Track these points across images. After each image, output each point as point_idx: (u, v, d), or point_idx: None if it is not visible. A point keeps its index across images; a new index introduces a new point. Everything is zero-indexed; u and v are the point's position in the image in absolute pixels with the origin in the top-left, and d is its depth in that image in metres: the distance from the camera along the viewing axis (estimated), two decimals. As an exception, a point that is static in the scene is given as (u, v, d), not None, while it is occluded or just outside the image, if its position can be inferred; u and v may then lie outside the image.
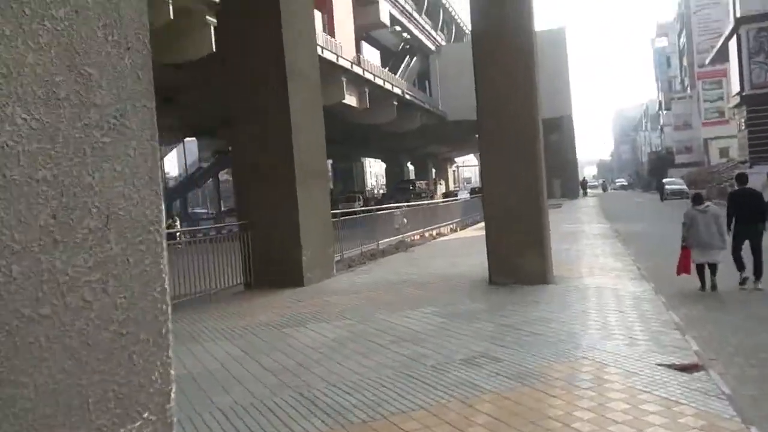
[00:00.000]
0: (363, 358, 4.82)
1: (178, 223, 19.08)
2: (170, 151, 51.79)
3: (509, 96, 8.05)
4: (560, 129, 44.83)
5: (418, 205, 23.06)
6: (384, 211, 17.21)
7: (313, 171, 9.71)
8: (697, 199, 8.29)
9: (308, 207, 9.40)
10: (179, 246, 7.35)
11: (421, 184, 54.96)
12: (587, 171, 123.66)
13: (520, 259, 7.98)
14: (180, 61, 19.26)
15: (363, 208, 16.42)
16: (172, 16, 16.48)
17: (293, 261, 9.07)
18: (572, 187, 47.26)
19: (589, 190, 55.51)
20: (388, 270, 10.61)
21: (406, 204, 22.96)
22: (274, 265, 9.19)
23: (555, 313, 5.99)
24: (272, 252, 9.22)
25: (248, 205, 9.55)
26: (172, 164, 62.15)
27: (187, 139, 46.08)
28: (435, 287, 8.22)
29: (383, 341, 5.29)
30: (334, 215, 12.07)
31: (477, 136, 8.63)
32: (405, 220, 16.83)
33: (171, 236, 12.23)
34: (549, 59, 31.37)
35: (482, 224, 24.73)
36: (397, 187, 53.88)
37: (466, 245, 14.97)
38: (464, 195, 44.68)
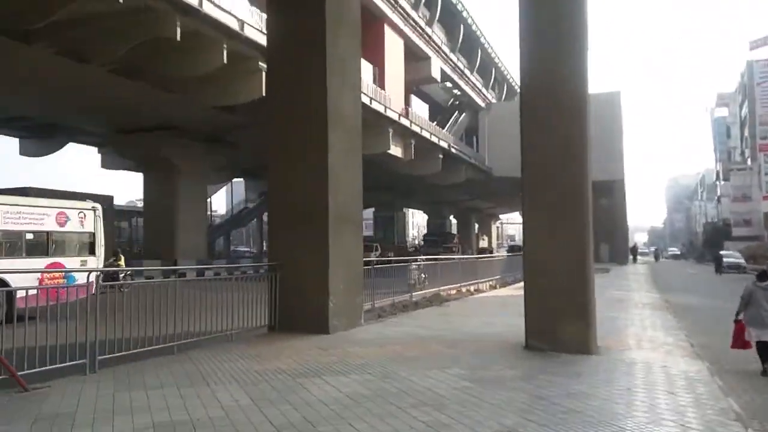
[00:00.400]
0: (377, 420, 4.36)
1: (122, 260, 17.74)
2: (218, 189, 53.03)
3: (558, 157, 7.67)
4: (611, 193, 43.77)
5: (448, 259, 22.48)
6: (416, 263, 16.70)
7: (347, 217, 9.45)
8: (763, 276, 7.63)
9: (339, 253, 9.09)
10: (124, 289, 6.98)
11: (451, 238, 52.52)
12: (638, 237, 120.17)
13: (560, 324, 7.41)
14: (231, 104, 19.75)
15: (395, 258, 16.01)
16: (225, 61, 16.98)
17: (319, 307, 8.71)
18: (621, 252, 45.64)
19: (639, 257, 53.55)
20: (419, 324, 10.11)
21: (440, 257, 22.40)
22: (299, 310, 8.85)
23: (597, 389, 5.39)
24: (299, 296, 8.90)
25: (279, 247, 9.31)
26: (221, 203, 63.64)
27: (236, 179, 47.10)
28: (466, 347, 7.68)
29: (402, 403, 4.82)
30: (367, 263, 11.72)
31: (521, 194, 8.24)
32: (424, 276, 15.02)
33: (112, 277, 10.97)
34: (602, 122, 30.89)
35: (522, 283, 23.91)
36: (426, 239, 51.77)
37: (503, 304, 14.32)
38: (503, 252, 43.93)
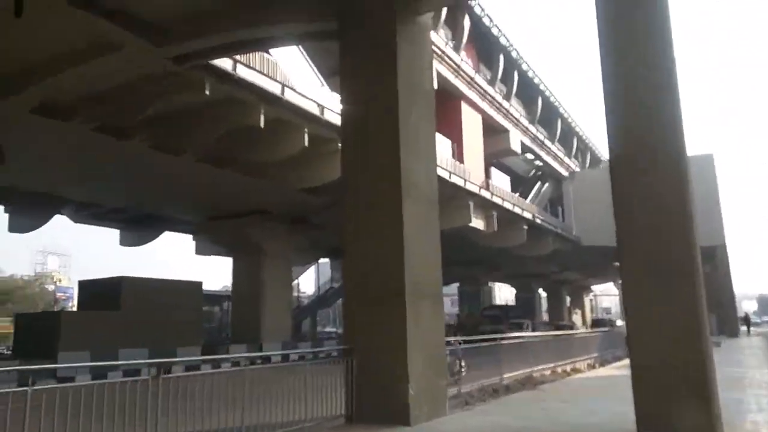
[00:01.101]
0: None
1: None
2: (305, 270, 53.99)
3: (657, 225, 6.92)
4: (713, 259, 40.36)
5: (539, 337, 20.98)
6: (507, 341, 15.60)
7: (425, 292, 8.92)
8: None
9: (418, 333, 8.50)
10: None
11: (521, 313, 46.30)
12: (746, 306, 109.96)
13: (675, 406, 6.41)
14: (313, 186, 20.16)
15: (483, 337, 15.03)
16: (306, 144, 17.48)
17: (398, 394, 8.07)
18: (730, 323, 41.45)
19: (752, 328, 48.43)
20: (510, 412, 9.14)
21: (529, 335, 21.02)
22: (378, 398, 8.25)
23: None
24: (376, 382, 8.32)
25: (355, 328, 8.88)
26: (309, 284, 64.66)
27: (322, 260, 47.81)
28: (565, 442, 6.73)
29: None
30: (450, 343, 10.97)
31: (617, 265, 7.45)
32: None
33: None
34: (698, 185, 28.81)
35: (626, 362, 21.86)
36: (484, 314, 44.16)
37: (606, 387, 12.95)
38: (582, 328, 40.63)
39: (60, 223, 32.57)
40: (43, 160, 18.47)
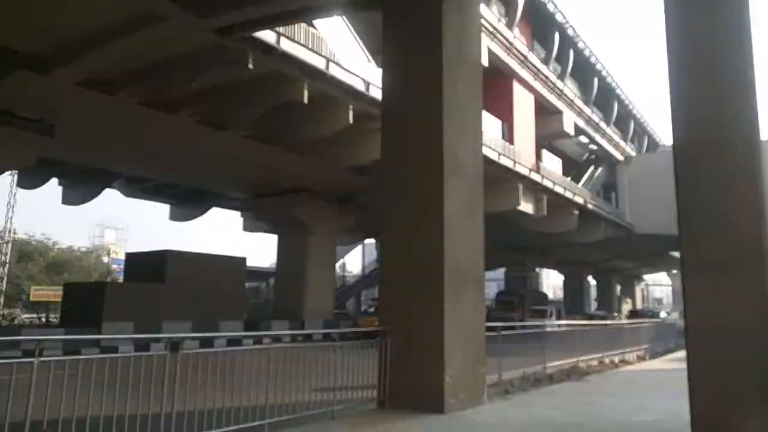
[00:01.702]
0: None
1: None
2: (351, 250, 54.13)
3: (725, 214, 6.23)
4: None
5: (588, 326, 20.19)
6: (553, 329, 15.00)
7: (466, 276, 8.47)
8: None
9: (457, 317, 8.09)
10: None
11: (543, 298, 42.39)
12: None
13: (740, 413, 5.78)
14: (358, 164, 19.85)
15: (525, 323, 14.51)
16: (351, 121, 17.14)
17: (434, 381, 7.70)
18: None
19: None
20: (553, 404, 8.65)
21: (580, 323, 20.24)
22: (412, 383, 7.90)
23: None
24: (411, 367, 7.96)
25: (390, 310, 8.53)
26: (356, 263, 64.86)
27: (368, 240, 47.78)
28: (612, 442, 6.23)
29: None
30: (491, 329, 10.52)
31: (677, 255, 6.78)
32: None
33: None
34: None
35: (677, 354, 20.83)
36: (499, 299, 40.63)
37: (656, 381, 12.24)
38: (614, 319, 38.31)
39: (117, 198, 33.61)
40: (91, 135, 18.81)
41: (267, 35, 14.08)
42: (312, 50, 15.51)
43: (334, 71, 16.08)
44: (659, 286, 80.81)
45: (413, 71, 8.89)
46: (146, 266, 20.27)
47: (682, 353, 22.26)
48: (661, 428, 6.92)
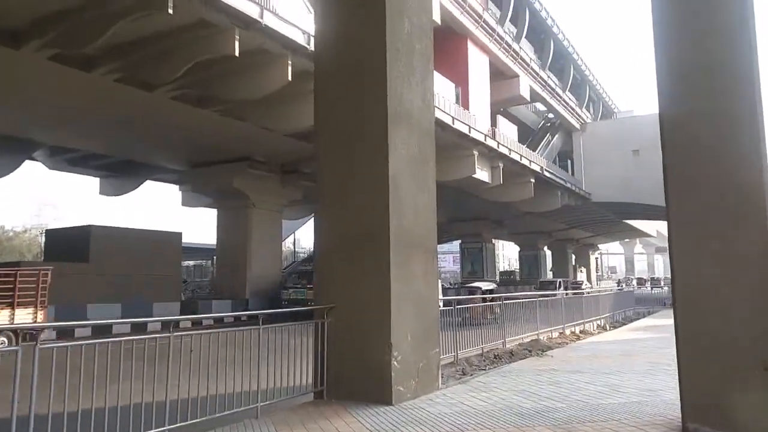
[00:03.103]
0: None
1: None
2: (303, 224, 52.33)
3: (719, 140, 5.15)
4: None
5: (547, 296, 19.50)
6: (512, 301, 14.03)
7: (416, 243, 7.21)
8: None
9: (406, 292, 6.85)
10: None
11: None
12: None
13: (738, 395, 4.83)
14: (301, 128, 18.24)
15: (482, 296, 13.58)
16: (290, 78, 15.51)
17: (379, 366, 6.47)
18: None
19: None
20: (515, 387, 7.55)
21: (539, 294, 19.49)
22: (354, 369, 6.68)
23: None
24: (353, 351, 6.73)
25: (328, 285, 7.21)
26: (309, 238, 63.09)
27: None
28: (590, 434, 5.15)
29: None
30: (447, 303, 9.37)
31: (666, 222, 5.70)
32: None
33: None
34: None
35: (639, 323, 20.38)
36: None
37: (623, 354, 11.39)
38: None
39: (63, 175, 30.92)
40: (2, 99, 16.60)
41: (189, -25, 12.31)
42: (243, -6, 13.76)
43: (270, 20, 14.37)
44: (614, 254, 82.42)
45: (350, 11, 7.44)
46: (68, 244, 18.31)
47: (642, 322, 22.05)
48: (642, 411, 5.91)
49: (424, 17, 8.13)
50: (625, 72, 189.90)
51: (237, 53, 13.82)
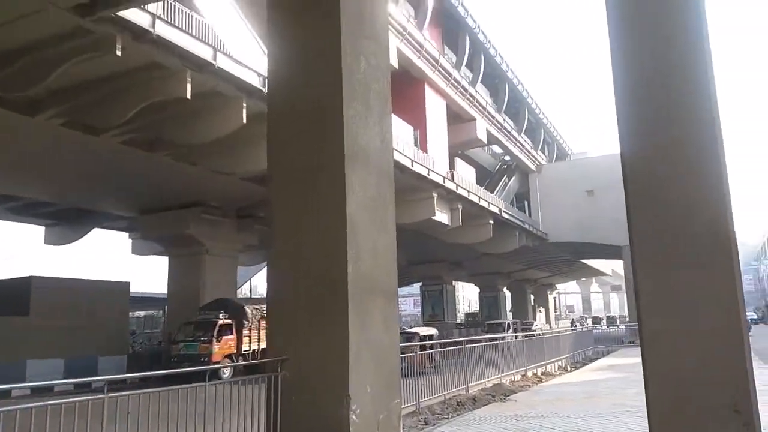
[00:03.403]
0: None
1: None
2: (261, 270, 51.18)
3: (682, 179, 5.10)
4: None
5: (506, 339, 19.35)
6: (475, 344, 13.75)
7: (375, 289, 6.86)
8: None
9: (365, 340, 6.44)
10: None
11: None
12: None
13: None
14: (257, 172, 17.81)
15: (445, 341, 13.18)
16: (245, 121, 15.25)
17: (337, 421, 6.01)
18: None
19: None
20: (482, 438, 7.22)
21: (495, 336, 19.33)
22: (310, 426, 6.19)
23: None
24: (308, 406, 6.24)
25: (281, 335, 6.77)
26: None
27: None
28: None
29: None
30: (406, 349, 9.01)
31: (630, 257, 5.61)
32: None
33: None
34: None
35: (599, 363, 20.31)
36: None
37: (586, 396, 11.22)
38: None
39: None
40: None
41: (139, 17, 12.03)
42: (195, 37, 13.53)
43: (223, 63, 14.16)
44: (572, 293, 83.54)
45: (305, 39, 7.25)
46: (7, 296, 17.18)
47: (602, 361, 22.01)
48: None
49: (382, 58, 8.02)
50: (579, 114, 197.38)
51: (189, 96, 13.49)
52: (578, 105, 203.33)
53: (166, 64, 13.39)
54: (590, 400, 10.55)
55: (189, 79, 13.49)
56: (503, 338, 17.95)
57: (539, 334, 21.62)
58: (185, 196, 21.77)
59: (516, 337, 20.29)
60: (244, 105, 15.01)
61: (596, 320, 61.18)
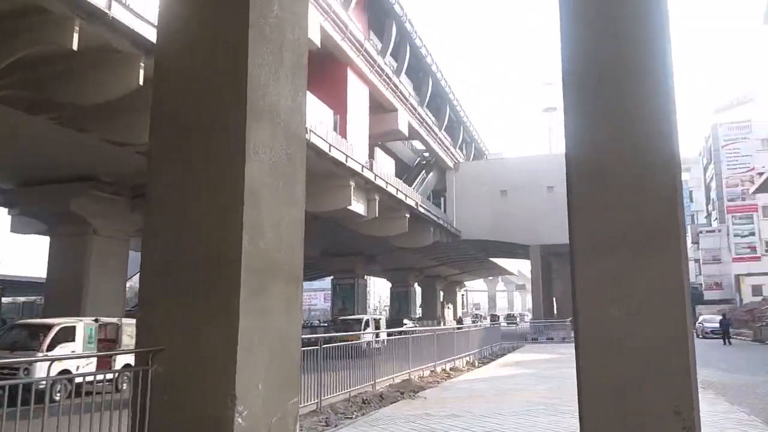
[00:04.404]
0: None
1: None
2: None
3: (629, 155, 4.54)
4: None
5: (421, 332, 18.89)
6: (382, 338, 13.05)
7: (275, 270, 5.81)
8: None
9: (260, 328, 5.40)
10: None
11: None
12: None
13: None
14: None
15: (357, 333, 12.35)
16: (141, 83, 13.60)
17: (217, 423, 4.96)
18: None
19: None
20: (389, 442, 6.41)
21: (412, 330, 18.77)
22: (186, 431, 5.10)
23: None
24: (187, 406, 5.14)
25: (155, 324, 5.58)
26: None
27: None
28: None
29: None
30: (309, 342, 8.06)
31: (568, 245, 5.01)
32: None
33: None
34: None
35: (506, 359, 20.33)
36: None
37: (497, 392, 10.82)
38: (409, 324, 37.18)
39: None
40: None
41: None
42: (85, -22, 11.77)
43: (119, 13, 12.45)
44: (478, 291, 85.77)
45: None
46: None
47: (509, 357, 22.11)
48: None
49: (300, 5, 6.98)
50: (495, 116, 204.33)
51: (76, 47, 11.73)
52: (495, 107, 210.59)
53: (49, 8, 11.55)
54: (501, 397, 10.17)
55: (77, 28, 11.72)
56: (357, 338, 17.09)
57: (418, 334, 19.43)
58: (73, 168, 19.50)
59: (377, 337, 18.59)
60: (142, 65, 13.34)
61: (494, 318, 62.66)
